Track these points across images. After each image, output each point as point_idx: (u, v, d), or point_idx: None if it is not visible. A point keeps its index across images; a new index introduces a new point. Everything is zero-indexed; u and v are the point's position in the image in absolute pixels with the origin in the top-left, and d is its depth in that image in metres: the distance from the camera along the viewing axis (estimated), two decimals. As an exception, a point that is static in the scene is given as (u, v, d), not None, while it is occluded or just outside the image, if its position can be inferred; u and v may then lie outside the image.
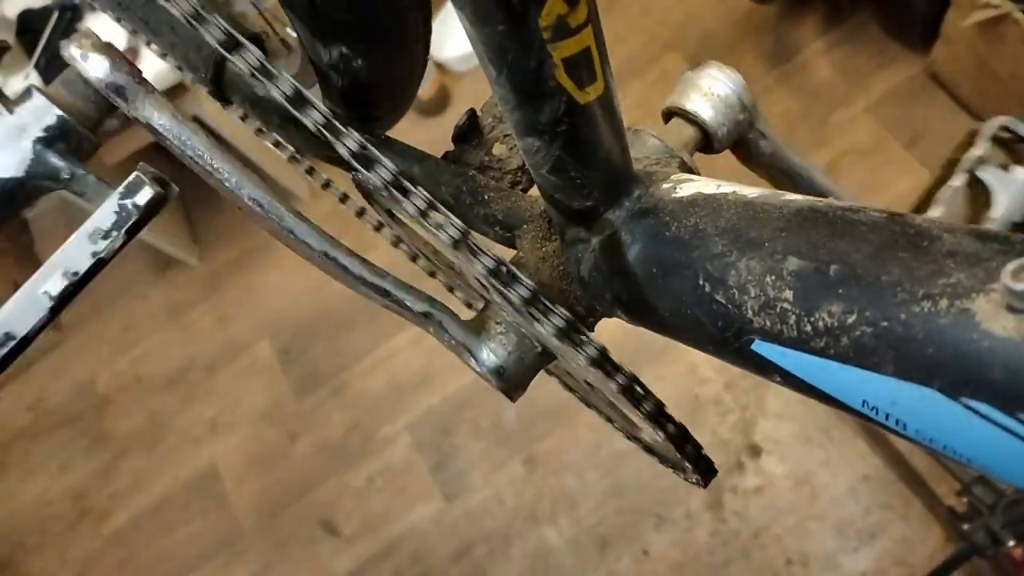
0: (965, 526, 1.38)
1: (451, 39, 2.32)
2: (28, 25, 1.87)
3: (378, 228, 0.49)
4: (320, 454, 2.07)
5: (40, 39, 1.83)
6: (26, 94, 0.40)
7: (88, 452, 2.26)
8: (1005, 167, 0.73)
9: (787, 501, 1.70)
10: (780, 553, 1.66)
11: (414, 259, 0.51)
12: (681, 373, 1.85)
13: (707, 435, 1.80)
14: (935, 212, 0.82)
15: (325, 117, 0.31)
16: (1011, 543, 1.30)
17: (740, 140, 0.50)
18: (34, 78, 1.81)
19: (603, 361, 0.34)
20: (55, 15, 1.85)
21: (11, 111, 0.39)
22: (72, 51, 0.38)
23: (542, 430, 1.91)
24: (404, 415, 2.04)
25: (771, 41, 2.20)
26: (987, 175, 0.71)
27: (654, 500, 1.77)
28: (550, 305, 0.34)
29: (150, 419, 2.25)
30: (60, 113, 0.39)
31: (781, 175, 0.51)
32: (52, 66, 1.81)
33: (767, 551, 1.67)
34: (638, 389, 0.35)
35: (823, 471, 1.71)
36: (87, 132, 0.41)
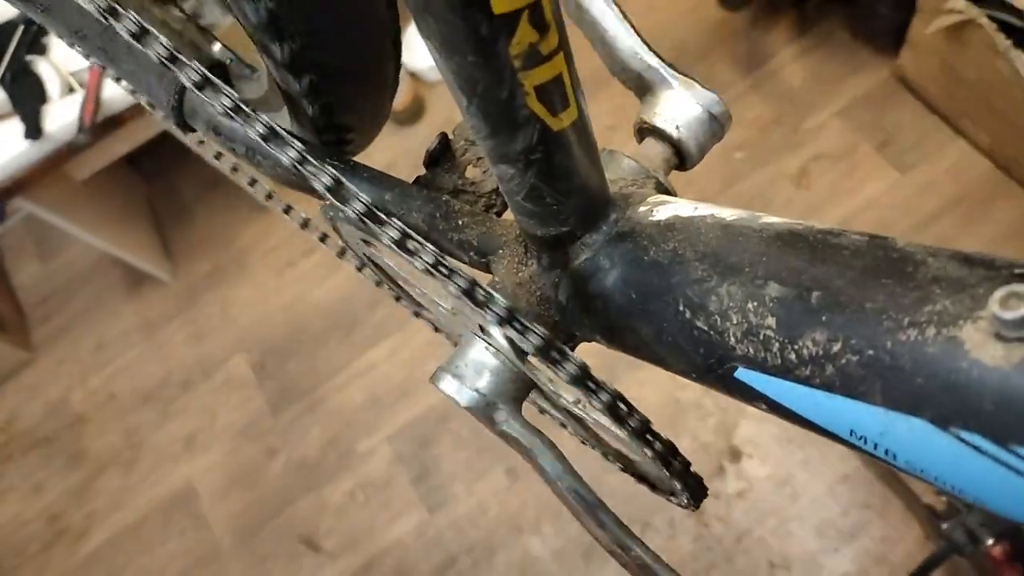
0: (944, 525, 1.39)
1: (424, 48, 2.31)
2: (-9, 40, 1.83)
3: (341, 254, 0.48)
4: (299, 469, 2.04)
5: (5, 54, 1.80)
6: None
7: (63, 472, 2.22)
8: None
9: (769, 503, 1.71)
10: (763, 556, 1.66)
11: (397, 299, 0.50)
12: (661, 378, 1.85)
13: (688, 440, 1.80)
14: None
15: (300, 154, 0.30)
16: (989, 541, 1.31)
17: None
18: (-2, 94, 1.78)
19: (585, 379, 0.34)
20: (20, 29, 1.82)
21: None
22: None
23: (523, 440, 1.89)
24: (383, 428, 2.02)
25: (743, 49, 2.21)
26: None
27: (638, 508, 1.76)
28: (528, 324, 0.33)
29: (126, 437, 2.21)
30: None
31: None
32: (17, 81, 1.77)
33: (750, 555, 1.67)
34: (623, 406, 0.35)
35: (803, 472, 1.72)
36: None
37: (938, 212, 1.88)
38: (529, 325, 0.32)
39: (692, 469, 0.37)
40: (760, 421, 1.78)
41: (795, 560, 1.65)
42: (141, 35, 0.34)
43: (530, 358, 0.34)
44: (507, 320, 0.32)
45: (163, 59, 0.33)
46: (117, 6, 0.34)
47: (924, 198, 1.90)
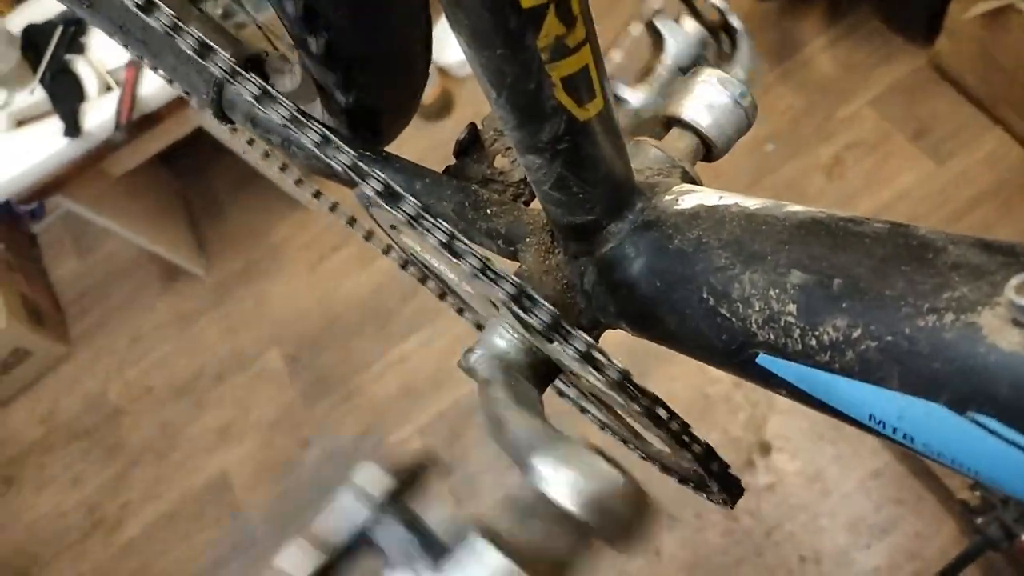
0: (978, 520, 1.37)
1: (453, 44, 2.31)
2: (32, 40, 1.88)
3: (386, 251, 0.49)
4: (331, 460, 2.07)
5: (44, 54, 1.84)
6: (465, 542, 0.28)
7: (101, 463, 2.28)
8: (677, 19, 0.80)
9: (799, 498, 1.70)
10: (793, 551, 1.66)
11: (423, 281, 0.51)
12: (691, 372, 1.85)
13: (718, 434, 1.79)
14: (616, 56, 0.89)
15: (331, 141, 0.31)
16: (1025, 536, 1.30)
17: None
18: (39, 93, 1.82)
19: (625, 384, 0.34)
20: (59, 30, 1.86)
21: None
22: (542, 475, 0.30)
23: (551, 431, 1.90)
24: (415, 419, 2.04)
25: (773, 38, 2.19)
26: (661, 25, 0.77)
27: (665, 500, 1.76)
28: (570, 330, 0.33)
29: (161, 429, 2.26)
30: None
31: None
32: (57, 80, 1.82)
33: (780, 549, 1.66)
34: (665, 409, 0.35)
35: (834, 467, 1.71)
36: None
37: (974, 202, 1.85)
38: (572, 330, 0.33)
39: (731, 471, 0.38)
40: (790, 416, 1.77)
41: (826, 555, 1.64)
42: (179, 30, 0.35)
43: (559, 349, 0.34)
44: (553, 325, 0.32)
45: (199, 53, 0.34)
46: (158, 1, 0.35)
47: (960, 188, 1.87)
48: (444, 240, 0.33)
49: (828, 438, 1.73)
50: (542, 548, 0.30)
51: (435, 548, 0.33)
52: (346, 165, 0.31)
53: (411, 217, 0.32)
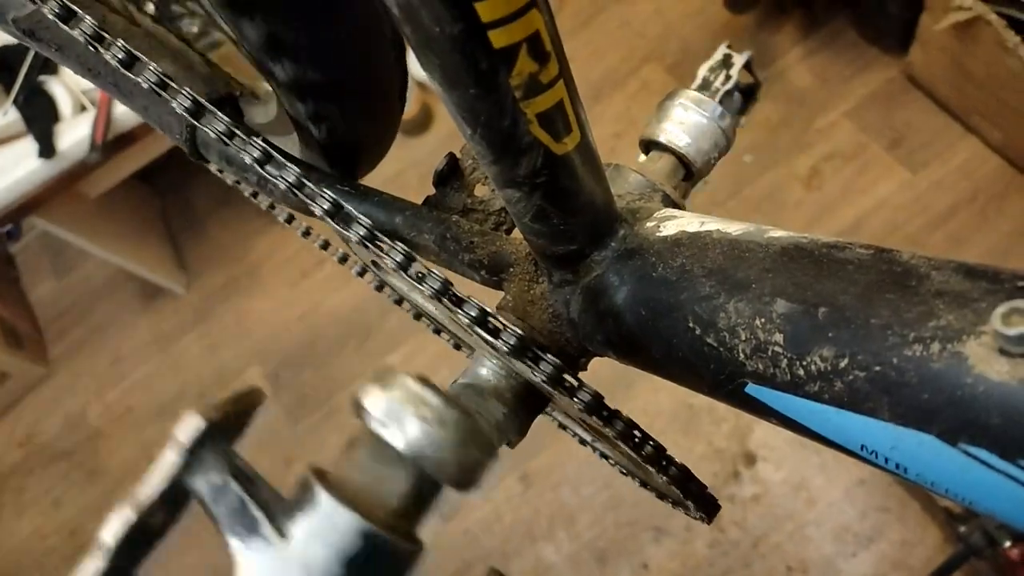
0: (962, 528, 1.38)
1: (431, 58, 2.32)
2: (5, 61, 1.85)
3: (361, 274, 0.49)
4: (315, 480, 2.05)
5: (18, 75, 1.82)
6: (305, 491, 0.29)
7: (82, 486, 2.24)
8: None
9: (785, 508, 1.70)
10: (780, 561, 1.66)
11: (399, 303, 0.51)
12: (675, 384, 1.85)
13: (702, 445, 1.79)
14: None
15: (299, 179, 0.30)
16: (1007, 544, 1.30)
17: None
18: (12, 114, 1.80)
19: (599, 407, 0.34)
20: (32, 51, 1.84)
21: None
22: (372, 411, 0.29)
23: (536, 446, 1.90)
24: (398, 437, 2.02)
25: (750, 50, 2.21)
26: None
27: (652, 513, 1.76)
28: (541, 354, 0.33)
29: (143, 450, 2.23)
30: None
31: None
32: (30, 101, 1.79)
33: (767, 560, 1.66)
34: (637, 434, 0.35)
35: (819, 476, 1.71)
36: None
37: (951, 210, 1.87)
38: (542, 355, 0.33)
39: (707, 491, 0.37)
40: (774, 426, 1.78)
41: (812, 565, 1.64)
42: (140, 69, 0.35)
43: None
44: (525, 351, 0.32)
45: (169, 97, 0.33)
46: (133, 52, 0.34)
47: (936, 196, 1.89)
48: (439, 288, 0.33)
49: (812, 447, 1.73)
50: (380, 491, 0.29)
51: (269, 500, 0.32)
52: (325, 211, 0.30)
53: (399, 264, 0.32)
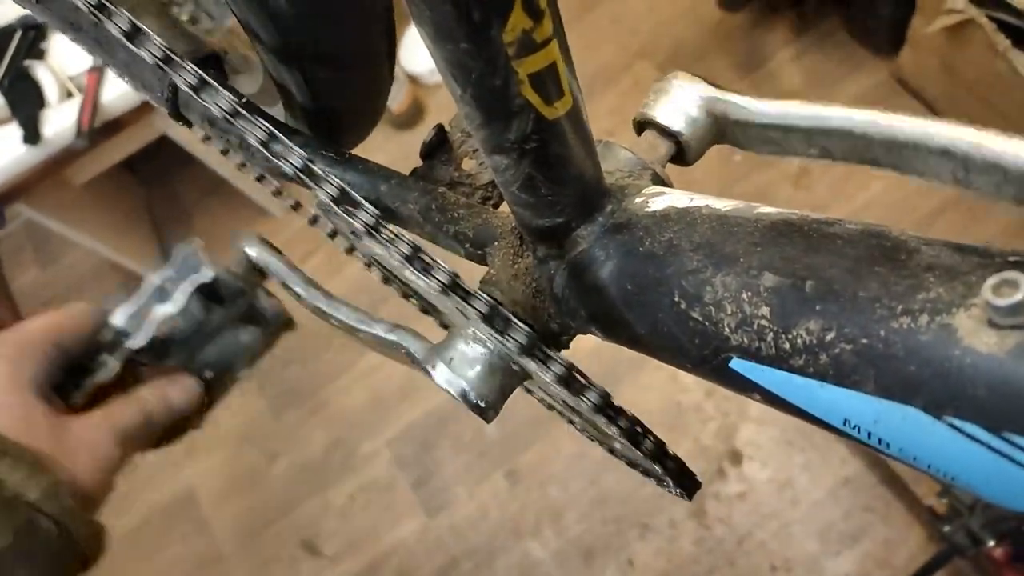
0: (945, 527, 1.38)
1: (423, 51, 2.31)
2: (-9, 46, 1.84)
3: (349, 251, 0.48)
4: (300, 474, 2.04)
5: (3, 59, 1.80)
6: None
7: (62, 476, 2.22)
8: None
9: (770, 506, 1.70)
10: (765, 559, 1.66)
11: (386, 281, 0.50)
12: (663, 381, 1.85)
13: (689, 442, 1.79)
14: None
15: (269, 134, 0.30)
16: (991, 543, 1.31)
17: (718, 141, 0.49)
18: (-2, 99, 1.78)
19: (572, 379, 0.34)
20: (18, 35, 1.82)
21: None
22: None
23: (524, 442, 1.89)
24: (385, 431, 2.02)
25: (742, 49, 2.21)
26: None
27: (638, 509, 1.76)
28: (515, 321, 0.33)
29: None
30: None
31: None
32: (16, 86, 1.78)
33: (752, 557, 1.67)
34: (612, 407, 0.34)
35: (804, 475, 1.72)
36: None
37: (939, 210, 1.88)
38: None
39: (671, 452, 0.37)
40: (761, 424, 1.78)
41: (796, 563, 1.64)
42: (132, 33, 0.34)
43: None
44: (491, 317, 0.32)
45: (153, 56, 0.33)
46: (107, 3, 0.34)
47: (925, 197, 1.90)
48: (408, 252, 0.32)
49: (798, 446, 1.74)
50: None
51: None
52: (297, 168, 0.30)
53: (369, 227, 0.31)
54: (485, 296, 0.32)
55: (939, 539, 1.44)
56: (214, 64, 0.49)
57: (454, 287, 0.33)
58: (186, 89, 0.30)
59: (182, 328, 0.50)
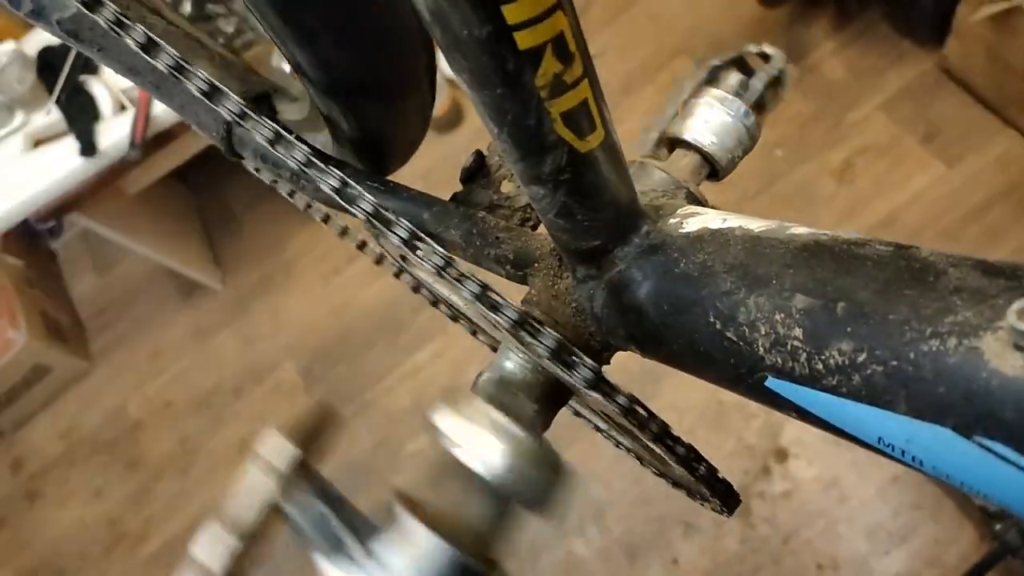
0: (997, 526, 1.36)
1: (461, 55, 2.33)
2: (48, 62, 1.91)
3: (398, 275, 0.50)
4: (347, 472, 2.08)
5: (60, 75, 1.87)
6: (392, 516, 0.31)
7: (122, 477, 2.30)
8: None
9: (816, 505, 1.69)
10: (811, 558, 1.65)
11: (435, 304, 0.52)
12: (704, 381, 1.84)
13: (732, 441, 1.79)
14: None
15: (341, 180, 0.32)
16: (1046, 543, 1.28)
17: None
18: (55, 113, 1.85)
19: (634, 411, 0.35)
20: (73, 51, 1.89)
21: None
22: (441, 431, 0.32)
23: (565, 441, 1.90)
24: (429, 431, 2.04)
25: (782, 44, 2.19)
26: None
27: (682, 508, 1.76)
28: (578, 355, 0.34)
29: (181, 443, 2.28)
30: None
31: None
32: (72, 101, 1.84)
33: (798, 557, 1.65)
34: (671, 436, 0.36)
35: (851, 473, 1.70)
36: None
37: (986, 205, 1.83)
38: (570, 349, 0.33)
39: (720, 475, 0.38)
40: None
41: (844, 562, 1.62)
42: (185, 72, 0.36)
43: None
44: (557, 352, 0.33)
45: (207, 95, 0.35)
46: (162, 44, 0.36)
47: (972, 190, 1.86)
48: (478, 292, 0.34)
49: (845, 444, 1.69)
50: (462, 516, 0.30)
51: (355, 522, 0.34)
52: (369, 213, 0.31)
53: (438, 268, 0.32)
54: (552, 333, 0.33)
55: (991, 538, 1.41)
56: (265, 101, 0.51)
57: (523, 324, 0.34)
58: (263, 144, 0.32)
59: None
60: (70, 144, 1.80)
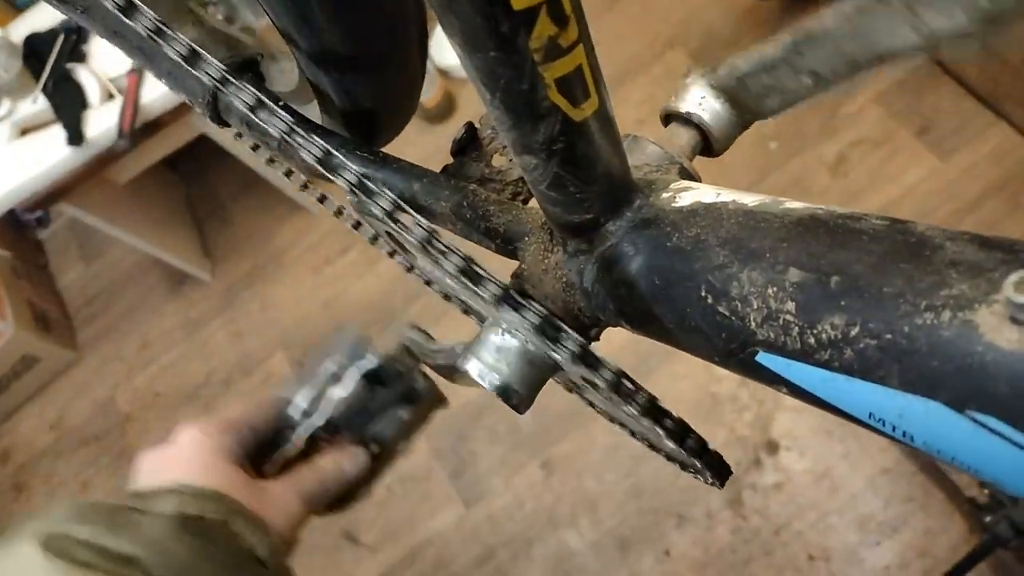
0: (987, 517, 1.36)
1: (454, 45, 2.32)
2: (34, 49, 1.89)
3: (392, 254, 0.49)
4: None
5: (46, 63, 1.85)
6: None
7: (111, 469, 2.28)
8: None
9: (807, 496, 1.69)
10: (802, 549, 1.65)
11: (428, 283, 0.51)
12: (697, 371, 1.85)
13: (724, 432, 1.79)
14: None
15: (323, 150, 0.31)
16: (1035, 534, 1.29)
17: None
18: (42, 102, 1.83)
19: (622, 386, 0.34)
20: (60, 38, 1.87)
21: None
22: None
23: (559, 433, 1.90)
24: (420, 422, 2.04)
25: (775, 35, 2.19)
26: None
27: (674, 500, 1.76)
28: (563, 328, 0.33)
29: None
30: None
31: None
32: (59, 89, 1.82)
33: (789, 547, 1.66)
34: (657, 406, 0.35)
35: (842, 464, 1.70)
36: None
37: (981, 197, 1.84)
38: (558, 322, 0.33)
39: (709, 446, 0.38)
40: (797, 413, 1.77)
41: (835, 553, 1.63)
42: (167, 37, 0.35)
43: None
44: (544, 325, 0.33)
45: (189, 60, 0.34)
46: (143, 7, 0.35)
47: (966, 183, 1.86)
48: (462, 266, 0.34)
49: (836, 436, 1.72)
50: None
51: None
52: (352, 184, 0.31)
53: (423, 241, 0.32)
54: (539, 307, 0.33)
55: (981, 530, 1.42)
56: (252, 69, 0.51)
57: (507, 298, 0.34)
58: (244, 110, 0.31)
59: (352, 407, 0.59)
60: (57, 133, 1.78)
